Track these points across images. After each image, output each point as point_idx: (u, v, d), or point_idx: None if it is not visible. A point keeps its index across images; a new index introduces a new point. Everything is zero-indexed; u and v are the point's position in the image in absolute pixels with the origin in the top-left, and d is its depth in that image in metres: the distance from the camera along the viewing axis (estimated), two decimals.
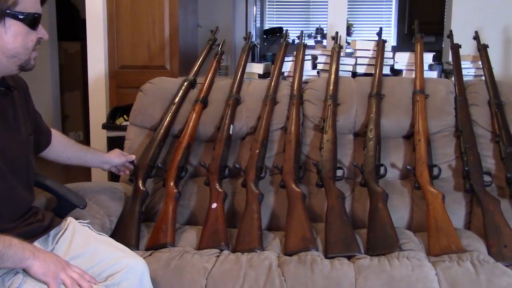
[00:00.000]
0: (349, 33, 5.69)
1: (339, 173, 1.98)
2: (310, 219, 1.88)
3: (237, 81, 2.25)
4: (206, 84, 2.25)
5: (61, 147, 1.72)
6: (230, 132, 2.11)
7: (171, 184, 1.95)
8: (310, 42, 5.57)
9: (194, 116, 2.15)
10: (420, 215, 1.94)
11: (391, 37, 6.21)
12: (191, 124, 2.12)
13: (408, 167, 1.98)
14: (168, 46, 3.26)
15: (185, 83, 2.26)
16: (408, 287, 1.52)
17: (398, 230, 1.83)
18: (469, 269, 1.57)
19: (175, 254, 1.68)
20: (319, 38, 5.58)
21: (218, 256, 1.68)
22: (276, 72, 2.28)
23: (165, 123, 2.12)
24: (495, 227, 1.78)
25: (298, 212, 1.83)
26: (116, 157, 1.90)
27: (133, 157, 1.97)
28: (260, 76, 2.61)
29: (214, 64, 2.34)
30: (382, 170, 1.98)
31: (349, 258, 1.67)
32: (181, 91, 2.23)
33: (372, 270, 1.57)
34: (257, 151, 2.02)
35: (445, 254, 1.68)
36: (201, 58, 2.38)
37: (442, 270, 1.57)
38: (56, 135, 1.71)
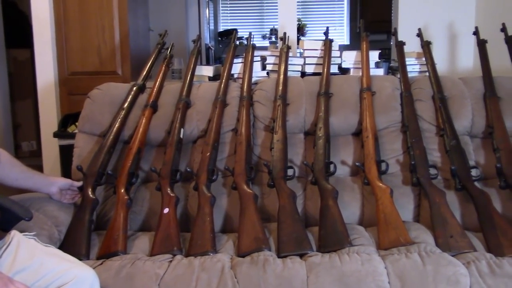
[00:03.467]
0: (303, 33, 5.76)
1: (290, 172, 2.00)
2: (264, 219, 1.89)
3: (186, 84, 2.25)
4: (155, 89, 2.24)
5: (9, 167, 1.68)
6: (181, 136, 2.10)
7: (122, 191, 1.93)
8: (265, 43, 5.60)
9: (144, 121, 2.13)
10: (371, 210, 1.97)
11: (344, 36, 6.31)
12: (141, 129, 2.10)
13: (357, 163, 2.01)
14: (119, 51, 3.22)
15: (134, 88, 2.24)
16: (358, 281, 1.55)
17: (349, 225, 1.86)
18: (417, 260, 1.61)
19: (126, 262, 1.65)
20: (273, 39, 5.62)
21: (170, 261, 1.67)
22: (225, 74, 2.28)
23: (114, 129, 2.09)
24: (442, 218, 1.83)
25: (250, 213, 1.84)
26: (62, 180, 1.88)
27: (80, 183, 1.93)
28: (210, 78, 2.60)
29: (163, 68, 2.33)
30: (331, 167, 2.01)
31: (301, 256, 1.69)
32: (130, 96, 2.21)
33: (323, 266, 1.59)
34: (208, 153, 2.02)
35: (394, 247, 1.72)
36: (150, 63, 2.36)
37: (391, 263, 1.61)
38: (5, 154, 1.67)
